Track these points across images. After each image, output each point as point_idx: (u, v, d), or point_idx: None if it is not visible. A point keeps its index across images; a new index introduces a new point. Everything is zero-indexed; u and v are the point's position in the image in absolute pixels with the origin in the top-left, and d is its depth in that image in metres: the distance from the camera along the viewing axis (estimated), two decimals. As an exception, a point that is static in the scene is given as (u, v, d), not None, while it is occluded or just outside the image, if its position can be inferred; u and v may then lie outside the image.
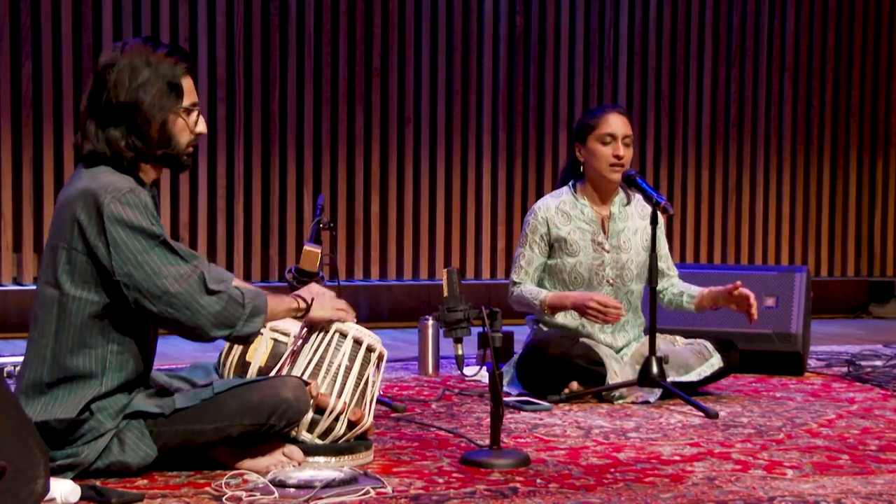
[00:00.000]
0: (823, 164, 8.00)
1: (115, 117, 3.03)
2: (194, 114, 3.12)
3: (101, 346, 3.03)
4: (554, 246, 4.56)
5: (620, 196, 4.62)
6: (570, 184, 4.63)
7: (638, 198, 4.60)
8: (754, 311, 4.36)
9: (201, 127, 3.14)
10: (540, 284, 4.58)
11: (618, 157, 4.48)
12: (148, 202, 3.02)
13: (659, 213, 4.27)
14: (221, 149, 6.71)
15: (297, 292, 3.26)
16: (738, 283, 4.39)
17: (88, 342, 3.02)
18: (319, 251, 3.76)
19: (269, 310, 3.11)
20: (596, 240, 4.55)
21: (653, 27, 7.58)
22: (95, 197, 2.97)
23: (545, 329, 4.57)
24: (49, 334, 3.03)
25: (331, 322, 3.28)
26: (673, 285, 4.66)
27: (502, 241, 7.32)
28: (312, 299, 3.23)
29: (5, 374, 4.08)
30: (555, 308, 4.45)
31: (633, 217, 4.61)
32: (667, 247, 4.71)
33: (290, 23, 6.82)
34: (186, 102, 3.09)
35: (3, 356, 4.52)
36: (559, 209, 4.58)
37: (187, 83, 3.10)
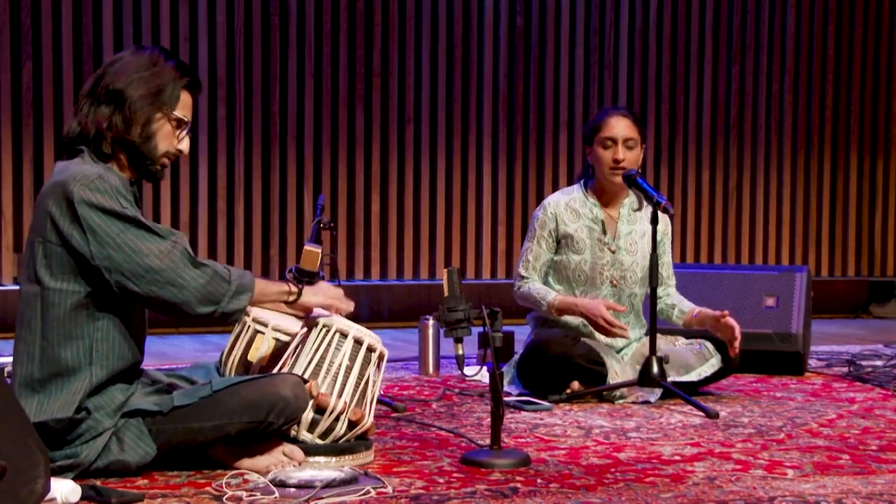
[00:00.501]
0: (824, 165, 8.00)
1: (107, 100, 3.09)
2: (183, 130, 3.14)
3: (87, 335, 3.04)
4: (561, 242, 4.56)
5: (631, 199, 4.62)
6: (582, 182, 4.64)
7: None
8: (737, 345, 4.37)
9: (184, 145, 3.17)
10: (545, 279, 4.58)
11: (616, 161, 4.48)
12: (118, 185, 3.04)
13: (660, 214, 4.27)
14: (221, 149, 6.71)
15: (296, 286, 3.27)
16: (726, 312, 4.41)
17: (74, 333, 3.03)
18: (320, 251, 3.76)
19: (257, 290, 3.11)
20: (601, 239, 4.55)
21: (653, 27, 7.58)
22: (64, 187, 3.00)
23: (547, 328, 4.57)
24: (35, 330, 3.04)
25: (325, 310, 3.28)
26: (668, 295, 4.65)
27: (502, 241, 7.32)
28: (304, 285, 3.25)
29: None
30: (562, 312, 4.45)
31: (643, 221, 4.60)
32: (670, 255, 4.71)
33: (290, 23, 6.82)
34: (178, 113, 3.12)
35: (3, 356, 4.52)
36: (568, 206, 4.58)
37: (185, 96, 3.15)
